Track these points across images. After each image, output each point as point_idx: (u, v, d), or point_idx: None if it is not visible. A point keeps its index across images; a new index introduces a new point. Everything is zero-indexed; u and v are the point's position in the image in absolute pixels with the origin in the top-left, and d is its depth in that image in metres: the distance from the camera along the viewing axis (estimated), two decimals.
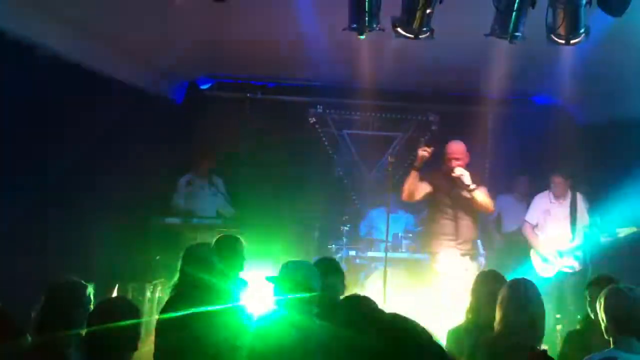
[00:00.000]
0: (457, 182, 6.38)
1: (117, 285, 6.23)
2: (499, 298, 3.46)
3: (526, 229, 7.10)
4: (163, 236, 7.90)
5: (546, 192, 7.11)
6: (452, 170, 6.38)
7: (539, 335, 3.42)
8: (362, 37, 4.81)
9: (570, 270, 6.86)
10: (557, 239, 6.92)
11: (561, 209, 6.96)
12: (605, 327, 3.40)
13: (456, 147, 6.48)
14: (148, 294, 6.99)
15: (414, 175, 6.47)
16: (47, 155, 5.57)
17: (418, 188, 6.52)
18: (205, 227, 7.10)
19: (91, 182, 6.47)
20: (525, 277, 3.69)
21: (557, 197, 7.01)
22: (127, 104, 7.10)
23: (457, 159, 6.40)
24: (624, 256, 6.74)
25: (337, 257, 7.69)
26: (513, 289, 3.44)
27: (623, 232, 6.62)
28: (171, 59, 7.39)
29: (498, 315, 3.42)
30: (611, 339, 3.36)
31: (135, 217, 6.92)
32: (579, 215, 6.88)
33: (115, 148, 6.93)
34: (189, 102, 8.91)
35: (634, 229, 6.59)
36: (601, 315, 3.42)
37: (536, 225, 7.08)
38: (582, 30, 4.65)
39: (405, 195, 6.61)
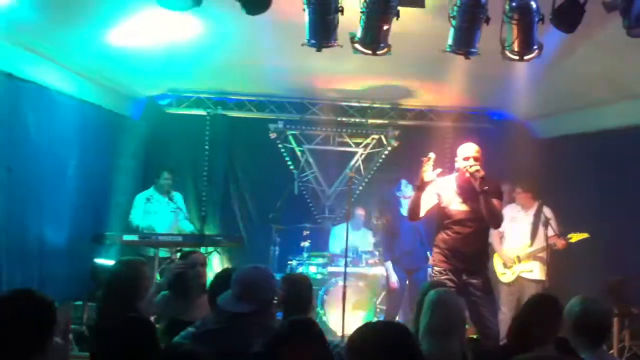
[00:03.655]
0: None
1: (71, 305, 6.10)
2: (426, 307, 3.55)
3: (494, 235, 7.12)
4: (122, 254, 7.80)
5: (515, 203, 7.31)
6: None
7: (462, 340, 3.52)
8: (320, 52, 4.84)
9: (531, 278, 7.00)
10: (518, 246, 7.12)
11: (526, 218, 7.15)
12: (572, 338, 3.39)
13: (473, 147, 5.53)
14: None
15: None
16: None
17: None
18: (165, 244, 7.01)
19: (46, 199, 6.35)
20: (446, 289, 3.86)
21: (522, 207, 7.20)
22: (84, 119, 7.01)
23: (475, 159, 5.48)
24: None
25: (298, 272, 7.66)
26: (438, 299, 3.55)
27: (575, 237, 6.82)
28: (130, 75, 7.32)
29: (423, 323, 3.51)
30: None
31: (92, 234, 6.77)
32: (541, 223, 6.98)
33: (71, 164, 6.82)
34: (147, 118, 8.79)
35: (585, 235, 6.79)
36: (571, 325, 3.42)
37: (503, 233, 7.22)
38: (535, 47, 4.76)
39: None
